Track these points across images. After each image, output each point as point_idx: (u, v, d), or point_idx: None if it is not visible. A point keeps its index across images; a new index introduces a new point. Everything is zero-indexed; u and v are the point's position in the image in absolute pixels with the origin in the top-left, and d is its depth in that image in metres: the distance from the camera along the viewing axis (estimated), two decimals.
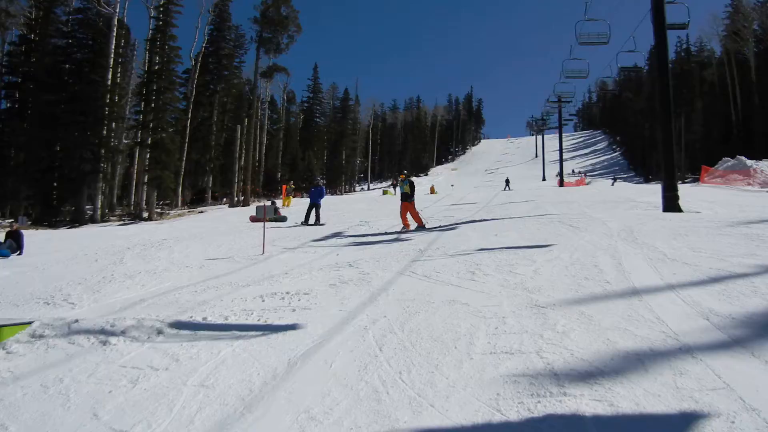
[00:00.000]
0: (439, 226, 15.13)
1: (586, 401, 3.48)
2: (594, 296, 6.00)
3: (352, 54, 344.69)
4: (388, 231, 14.68)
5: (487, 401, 3.58)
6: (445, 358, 4.40)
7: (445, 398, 3.67)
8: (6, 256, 14.01)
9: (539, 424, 3.24)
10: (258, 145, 61.18)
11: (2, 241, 14.97)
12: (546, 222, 13.75)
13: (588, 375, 3.89)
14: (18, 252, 14.54)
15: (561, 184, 54.34)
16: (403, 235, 13.25)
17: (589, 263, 7.82)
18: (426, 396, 3.72)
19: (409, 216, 15.13)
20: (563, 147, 61.32)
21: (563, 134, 63.38)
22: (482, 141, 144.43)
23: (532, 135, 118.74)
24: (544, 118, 78.09)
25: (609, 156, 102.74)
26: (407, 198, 15.10)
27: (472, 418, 3.38)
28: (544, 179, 72.46)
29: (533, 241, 10.62)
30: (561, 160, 59.35)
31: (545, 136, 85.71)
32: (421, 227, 14.65)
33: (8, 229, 15.62)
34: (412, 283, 7.40)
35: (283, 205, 29.40)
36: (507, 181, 55.80)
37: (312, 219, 19.24)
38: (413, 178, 19.04)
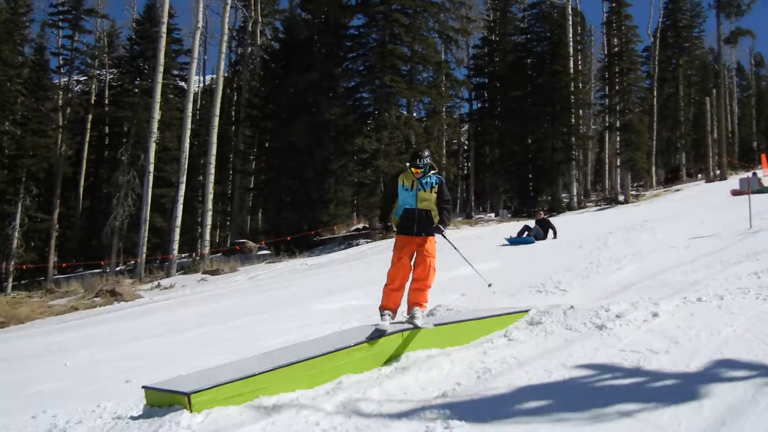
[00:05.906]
0: None
1: None
2: None
3: None
4: None
5: None
6: None
7: None
8: (530, 242, 15.67)
9: None
10: (729, 114, 56.59)
11: (530, 227, 16.74)
12: None
13: None
14: (553, 236, 16.15)
15: None
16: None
17: None
18: None
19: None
20: None
21: None
22: None
23: None
24: None
25: None
26: (424, 228, 5.73)
27: None
28: None
29: None
30: None
31: None
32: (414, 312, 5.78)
33: (538, 217, 17.44)
34: None
35: None
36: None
37: None
38: None
